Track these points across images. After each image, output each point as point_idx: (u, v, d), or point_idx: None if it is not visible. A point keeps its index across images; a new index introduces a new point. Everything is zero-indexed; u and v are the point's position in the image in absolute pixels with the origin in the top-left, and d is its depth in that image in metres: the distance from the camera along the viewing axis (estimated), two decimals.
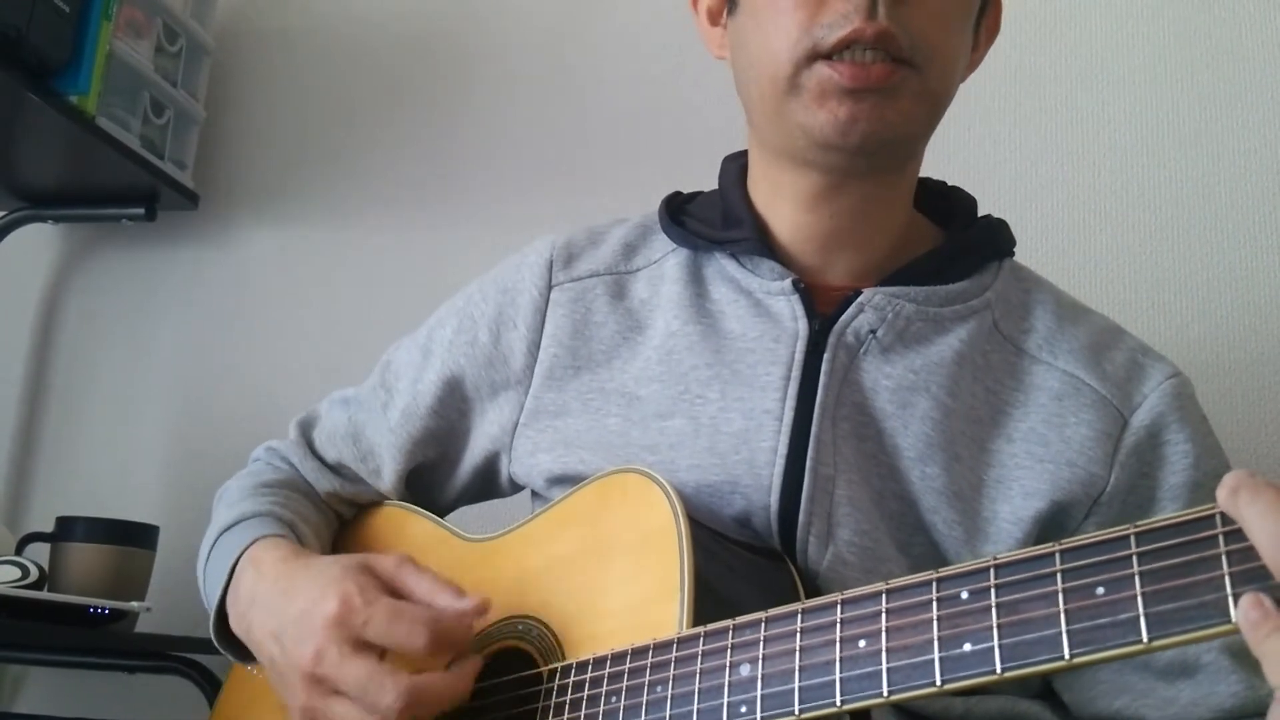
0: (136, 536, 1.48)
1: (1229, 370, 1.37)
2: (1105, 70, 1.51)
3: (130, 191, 1.72)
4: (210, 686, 1.41)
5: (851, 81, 0.79)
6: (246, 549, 0.88)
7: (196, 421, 1.73)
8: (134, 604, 1.42)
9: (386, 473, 1.00)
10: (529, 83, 1.73)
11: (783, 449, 0.83)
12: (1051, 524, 0.82)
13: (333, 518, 1.04)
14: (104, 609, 1.41)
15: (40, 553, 1.47)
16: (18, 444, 1.79)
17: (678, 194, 1.00)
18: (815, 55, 0.80)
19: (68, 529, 1.46)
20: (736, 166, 0.96)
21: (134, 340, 1.79)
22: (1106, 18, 1.52)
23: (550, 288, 0.95)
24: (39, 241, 1.84)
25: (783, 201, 0.90)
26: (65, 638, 1.44)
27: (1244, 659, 0.78)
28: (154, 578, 1.50)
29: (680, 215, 0.96)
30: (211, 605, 0.89)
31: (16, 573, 1.40)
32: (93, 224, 1.83)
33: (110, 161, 1.61)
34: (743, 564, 0.77)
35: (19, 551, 1.48)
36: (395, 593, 0.78)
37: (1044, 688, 0.87)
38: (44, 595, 1.39)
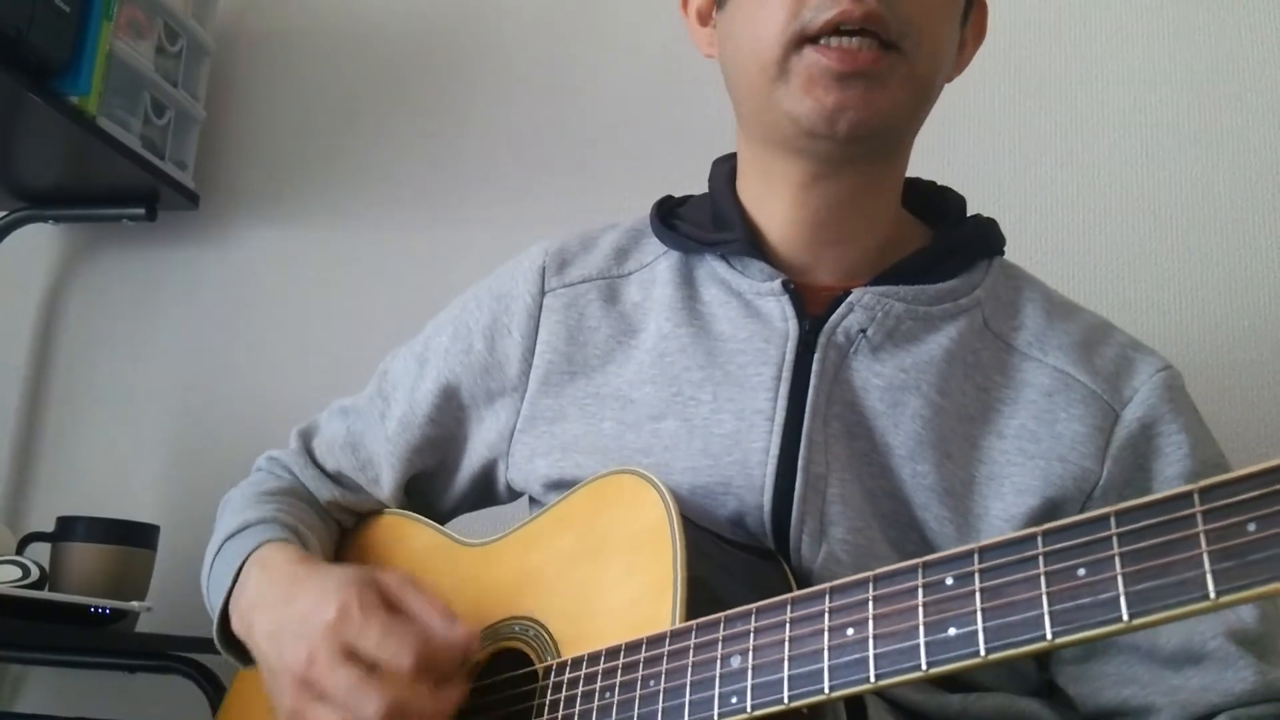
0: (137, 536, 1.49)
1: (1228, 370, 1.37)
2: (1105, 70, 1.51)
3: (130, 191, 1.72)
4: (211, 686, 1.41)
5: (840, 64, 0.80)
6: (253, 553, 0.89)
7: (196, 421, 1.74)
8: (134, 604, 1.43)
9: (385, 481, 1.00)
10: (529, 83, 1.73)
11: (774, 449, 0.83)
12: (1045, 520, 0.81)
13: (334, 526, 1.04)
14: (105, 609, 1.41)
15: (41, 552, 1.47)
16: (18, 444, 1.79)
17: (669, 197, 1.01)
18: (803, 39, 0.81)
19: (68, 529, 1.46)
20: (726, 169, 0.96)
21: (134, 340, 1.79)
22: (1106, 17, 1.52)
23: (544, 294, 0.95)
24: (39, 241, 1.85)
25: (773, 194, 0.90)
26: (66, 637, 1.44)
27: (1250, 645, 0.79)
28: (154, 577, 1.50)
29: (671, 218, 0.96)
30: (215, 608, 0.90)
31: (17, 572, 1.41)
32: (93, 224, 1.84)
33: (110, 161, 1.61)
34: (736, 563, 0.78)
35: (20, 551, 1.48)
36: (395, 610, 0.78)
37: (1042, 684, 0.87)
38: (45, 595, 1.39)
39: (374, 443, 1.00)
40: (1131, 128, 1.48)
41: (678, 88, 1.64)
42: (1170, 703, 0.80)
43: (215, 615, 0.90)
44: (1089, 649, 0.83)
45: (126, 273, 1.83)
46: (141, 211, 1.74)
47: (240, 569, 0.88)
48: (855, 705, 0.74)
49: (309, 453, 1.04)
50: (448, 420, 0.98)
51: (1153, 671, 0.81)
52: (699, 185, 1.01)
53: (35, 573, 1.42)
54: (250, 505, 0.96)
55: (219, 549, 0.93)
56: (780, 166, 0.89)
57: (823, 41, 0.80)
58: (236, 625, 0.87)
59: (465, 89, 1.76)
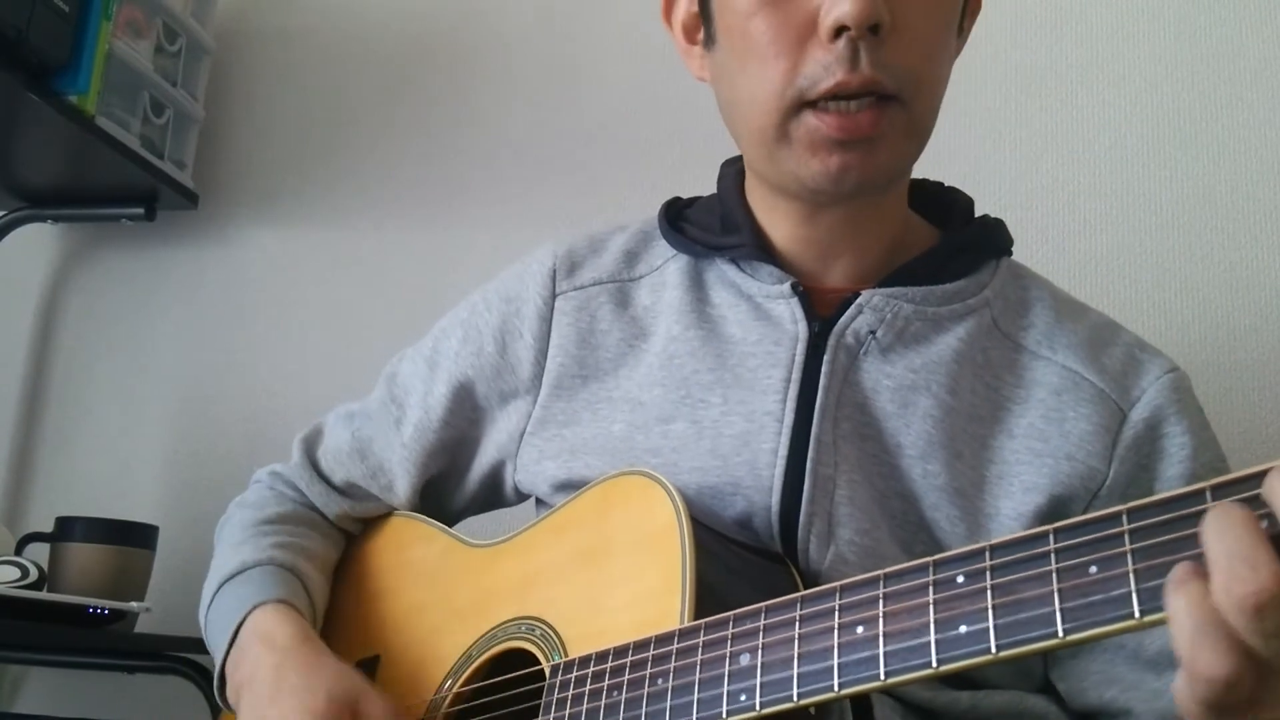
0: (136, 536, 1.49)
1: (1229, 370, 1.37)
2: (1105, 70, 1.51)
3: (130, 191, 1.72)
4: (210, 687, 1.41)
5: (840, 133, 0.80)
6: (251, 614, 0.88)
7: (196, 421, 1.73)
8: (133, 604, 1.43)
9: (400, 487, 1.00)
10: (529, 82, 1.73)
11: (783, 450, 0.83)
12: (1052, 518, 0.82)
13: (340, 540, 1.04)
14: (103, 609, 1.41)
15: (40, 553, 1.47)
16: (18, 444, 1.79)
17: (677, 199, 1.00)
18: (801, 104, 0.80)
19: (67, 529, 1.46)
20: (734, 171, 0.96)
21: (134, 340, 1.79)
22: (1106, 17, 1.52)
23: (554, 296, 0.95)
24: (39, 241, 1.84)
25: (777, 217, 0.91)
26: (65, 638, 1.44)
27: None
28: (153, 578, 1.50)
29: (679, 221, 0.96)
30: (215, 665, 0.90)
31: (16, 573, 1.40)
32: (92, 224, 1.83)
33: (110, 161, 1.61)
34: (744, 565, 0.78)
35: (19, 551, 1.48)
36: None
37: (1049, 682, 0.87)
38: (44, 595, 1.39)
39: (386, 449, 1.00)
40: (1132, 127, 1.48)
41: (678, 88, 1.64)
42: (1149, 709, 0.80)
43: (216, 672, 0.90)
44: (1078, 646, 0.83)
45: (126, 273, 1.82)
46: (140, 211, 1.73)
47: (237, 630, 0.88)
48: (861, 703, 0.74)
49: (314, 465, 1.03)
50: (461, 422, 0.98)
51: (1136, 673, 0.81)
52: (699, 186, 1.01)
53: (34, 573, 1.41)
54: (248, 539, 0.96)
55: (216, 591, 0.93)
56: (782, 203, 0.89)
57: (820, 105, 0.80)
58: (230, 693, 0.88)
59: (465, 89, 1.75)
